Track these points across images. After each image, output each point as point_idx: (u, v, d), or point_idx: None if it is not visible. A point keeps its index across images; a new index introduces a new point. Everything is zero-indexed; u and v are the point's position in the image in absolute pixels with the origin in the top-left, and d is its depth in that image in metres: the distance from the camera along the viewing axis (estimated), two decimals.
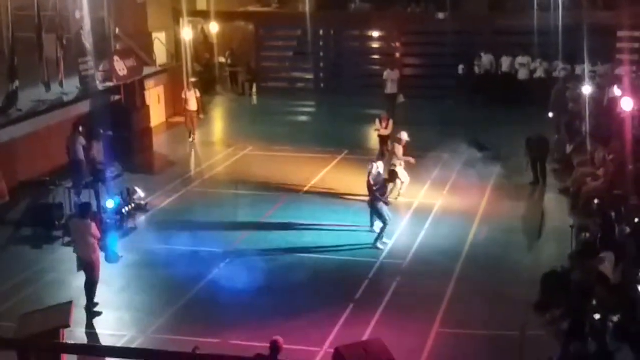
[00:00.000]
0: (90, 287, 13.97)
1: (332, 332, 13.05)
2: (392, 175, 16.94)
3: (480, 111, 26.94)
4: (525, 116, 23.80)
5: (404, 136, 19.42)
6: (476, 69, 28.89)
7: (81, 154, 19.10)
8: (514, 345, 12.62)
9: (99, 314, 13.81)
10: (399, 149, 19.08)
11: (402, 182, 18.89)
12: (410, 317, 13.57)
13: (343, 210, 18.38)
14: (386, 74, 26.92)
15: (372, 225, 16.99)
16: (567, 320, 12.42)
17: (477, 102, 27.93)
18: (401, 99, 26.20)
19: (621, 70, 25.55)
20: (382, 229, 16.48)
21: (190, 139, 24.51)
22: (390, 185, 17.30)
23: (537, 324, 13.00)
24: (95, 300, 13.98)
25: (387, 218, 16.48)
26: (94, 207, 17.87)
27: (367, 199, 16.96)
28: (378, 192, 16.51)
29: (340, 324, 13.33)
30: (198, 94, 24.74)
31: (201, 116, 25.41)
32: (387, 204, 16.71)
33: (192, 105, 24.44)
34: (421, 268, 15.56)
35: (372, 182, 16.59)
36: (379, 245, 16.36)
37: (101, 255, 14.54)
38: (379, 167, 16.83)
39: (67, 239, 16.62)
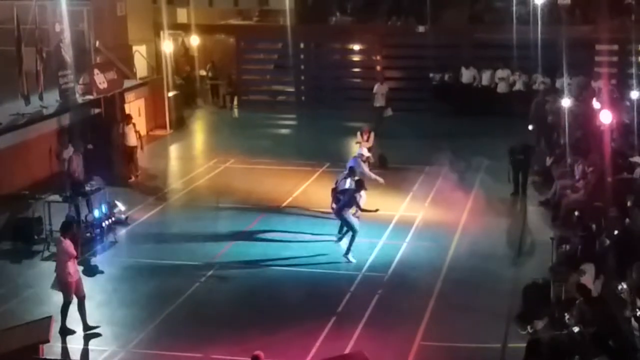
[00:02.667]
0: (64, 307, 13.56)
1: (314, 346, 13.00)
2: (359, 185, 17.02)
3: (460, 124, 27.05)
4: (505, 128, 23.90)
5: (364, 152, 19.62)
6: (446, 78, 29.08)
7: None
8: (496, 358, 12.68)
9: (72, 332, 13.50)
10: (362, 165, 19.11)
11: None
12: (392, 330, 13.56)
13: (325, 223, 18.34)
14: (376, 87, 26.86)
15: (339, 239, 17.06)
16: (548, 332, 12.48)
17: (454, 114, 28.06)
18: (389, 112, 26.24)
19: (599, 83, 25.79)
20: (352, 240, 16.45)
21: (132, 179, 21.81)
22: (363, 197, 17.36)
23: (518, 336, 13.04)
24: (70, 322, 13.62)
25: (356, 228, 16.44)
26: (74, 220, 17.84)
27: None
28: (348, 202, 16.54)
29: (322, 337, 13.28)
30: (137, 128, 22.52)
31: (142, 150, 22.56)
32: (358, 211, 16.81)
33: (131, 141, 22.00)
34: (403, 281, 15.57)
35: (337, 191, 17.00)
36: (350, 257, 16.34)
37: (80, 273, 14.09)
38: (347, 181, 17.08)
39: (47, 253, 16.52)
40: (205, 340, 13.18)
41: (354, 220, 16.51)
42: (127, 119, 22.50)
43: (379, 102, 26.62)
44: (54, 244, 14.99)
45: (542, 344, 11.57)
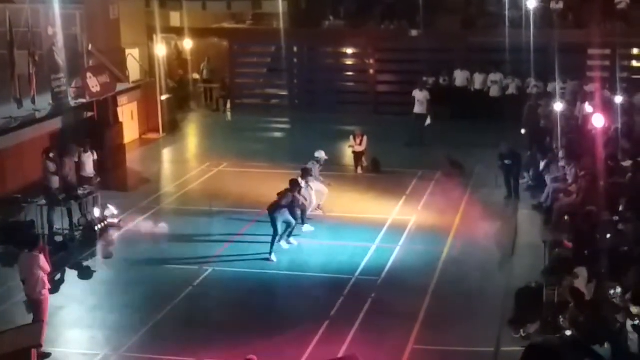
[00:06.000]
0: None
1: (308, 350, 12.98)
2: (293, 185, 17.20)
3: (453, 127, 27.06)
4: (498, 132, 23.97)
5: (322, 155, 19.61)
6: (441, 82, 29.11)
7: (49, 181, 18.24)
8: None
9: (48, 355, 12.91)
10: (315, 167, 19.15)
11: (322, 194, 18.94)
12: (385, 333, 13.55)
13: (317, 226, 18.36)
14: (415, 93, 26.37)
15: (288, 236, 17.17)
16: (540, 335, 12.48)
17: (448, 118, 28.05)
18: (428, 121, 25.82)
19: (591, 87, 25.85)
20: (273, 240, 16.60)
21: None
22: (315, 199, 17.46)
23: (511, 340, 13.05)
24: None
25: (277, 230, 16.63)
26: (67, 224, 17.82)
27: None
28: (284, 203, 16.88)
29: (315, 341, 13.26)
30: (95, 156, 19.40)
31: (97, 179, 19.36)
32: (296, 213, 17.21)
33: (89, 171, 19.30)
34: (396, 284, 15.57)
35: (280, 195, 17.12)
36: (273, 257, 16.47)
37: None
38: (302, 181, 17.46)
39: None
40: (197, 345, 13.14)
41: (280, 223, 16.66)
42: (84, 145, 19.38)
43: (418, 108, 26.06)
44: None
45: (539, 349, 11.50)
